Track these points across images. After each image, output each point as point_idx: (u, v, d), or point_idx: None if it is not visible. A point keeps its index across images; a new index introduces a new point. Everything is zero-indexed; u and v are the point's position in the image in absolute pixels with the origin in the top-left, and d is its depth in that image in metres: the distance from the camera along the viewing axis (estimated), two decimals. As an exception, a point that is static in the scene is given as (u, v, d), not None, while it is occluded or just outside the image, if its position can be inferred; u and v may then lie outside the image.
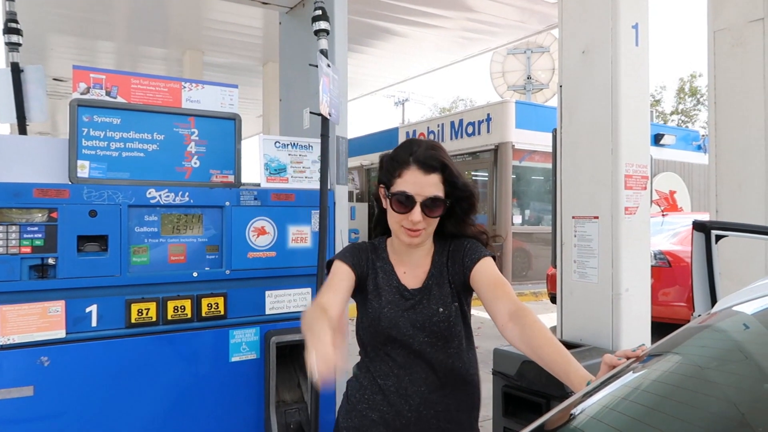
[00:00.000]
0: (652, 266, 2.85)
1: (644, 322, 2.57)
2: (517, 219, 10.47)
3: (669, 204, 11.64)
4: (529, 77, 15.94)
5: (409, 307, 1.40)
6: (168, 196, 1.94)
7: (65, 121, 1.91)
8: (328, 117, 2.10)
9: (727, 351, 1.03)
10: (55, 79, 9.56)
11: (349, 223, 2.50)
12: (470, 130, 10.99)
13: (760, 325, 1.08)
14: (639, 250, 2.53)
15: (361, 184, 14.26)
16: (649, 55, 2.61)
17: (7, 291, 1.71)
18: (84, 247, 1.82)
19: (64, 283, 1.78)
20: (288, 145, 2.22)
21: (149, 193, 1.92)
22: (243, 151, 2.14)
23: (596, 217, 2.55)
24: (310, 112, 2.39)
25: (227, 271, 2.03)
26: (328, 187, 2.23)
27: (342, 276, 1.38)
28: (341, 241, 2.30)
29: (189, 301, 1.97)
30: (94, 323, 1.83)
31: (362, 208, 12.92)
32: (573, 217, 2.65)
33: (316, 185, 2.20)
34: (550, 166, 3.59)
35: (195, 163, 2.05)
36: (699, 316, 1.47)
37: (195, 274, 1.98)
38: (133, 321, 1.88)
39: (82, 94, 1.92)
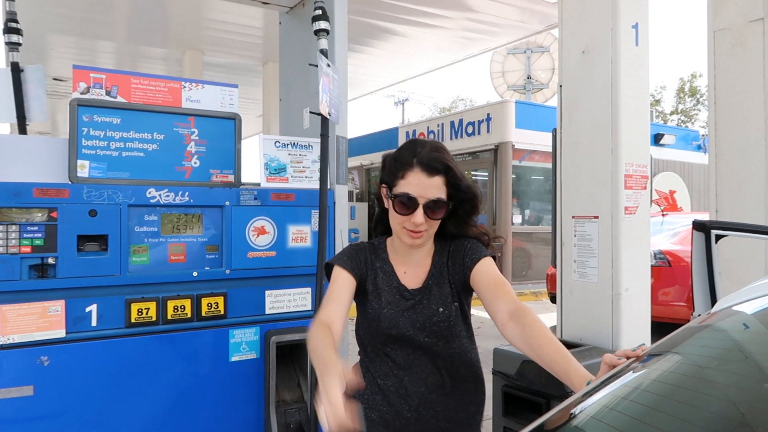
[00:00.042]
0: (652, 266, 2.85)
1: (644, 321, 2.57)
2: (517, 219, 10.47)
3: (669, 204, 11.63)
4: (529, 77, 15.94)
5: (409, 307, 1.40)
6: (168, 196, 1.94)
7: (65, 121, 1.91)
8: (328, 117, 2.10)
9: (727, 351, 1.03)
10: (55, 79, 9.56)
11: (349, 222, 2.50)
12: (470, 129, 10.99)
13: (760, 324, 1.08)
14: (639, 250, 2.53)
15: (361, 183, 14.26)
16: (649, 55, 2.62)
17: (7, 291, 1.71)
18: (84, 247, 1.82)
19: (63, 283, 1.78)
20: (288, 144, 2.22)
21: (149, 193, 1.92)
22: (243, 150, 2.14)
23: (596, 217, 2.55)
24: (310, 112, 2.40)
25: (227, 271, 2.03)
26: (328, 187, 2.23)
27: (342, 284, 1.37)
28: (341, 241, 2.30)
29: (189, 300, 1.97)
30: (93, 323, 1.83)
31: (362, 208, 12.91)
32: (573, 217, 2.65)
33: (316, 185, 2.20)
34: (550, 165, 3.60)
35: (195, 163, 2.05)
36: (699, 315, 1.47)
37: (195, 274, 1.98)
38: (132, 321, 1.88)
39: (82, 93, 1.92)
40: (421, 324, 1.38)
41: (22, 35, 2.18)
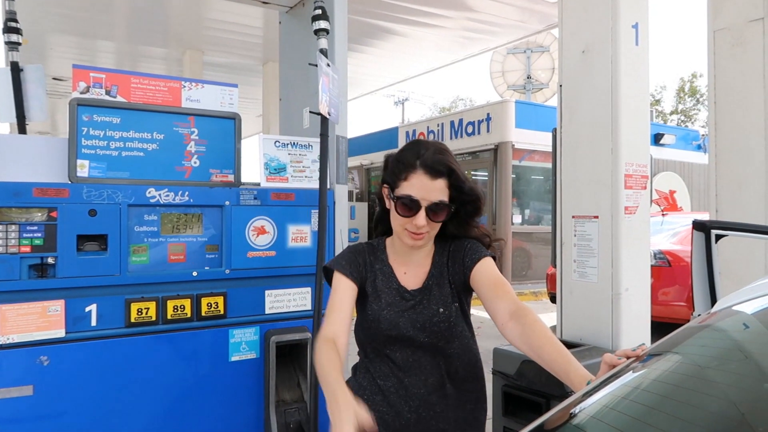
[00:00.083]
0: (651, 266, 2.85)
1: (644, 321, 2.57)
2: (517, 218, 10.47)
3: (669, 203, 11.64)
4: (529, 77, 15.94)
5: (410, 307, 1.39)
6: (168, 196, 1.94)
7: (65, 121, 1.91)
8: (328, 116, 2.10)
9: (726, 350, 1.03)
10: (54, 79, 9.56)
11: (348, 222, 2.49)
12: (470, 129, 10.99)
13: (760, 324, 1.08)
14: (639, 250, 2.53)
15: (361, 183, 14.26)
16: (649, 55, 2.61)
17: (7, 290, 1.71)
18: (83, 247, 1.82)
19: (63, 283, 1.78)
20: (288, 144, 2.22)
21: (149, 193, 1.92)
22: (243, 150, 2.14)
23: (596, 217, 2.55)
24: (310, 112, 2.39)
25: (227, 271, 2.03)
26: (328, 187, 2.23)
27: (344, 293, 1.37)
28: (341, 241, 2.30)
29: (188, 300, 1.97)
30: (93, 323, 1.83)
31: (362, 208, 12.92)
32: (573, 217, 2.65)
33: (316, 185, 2.20)
34: (549, 165, 3.61)
35: (195, 163, 2.05)
36: (699, 315, 1.47)
37: (195, 274, 1.98)
38: (132, 320, 1.88)
39: (81, 93, 1.92)
40: (421, 324, 1.38)
41: (22, 34, 2.18)
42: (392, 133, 13.43)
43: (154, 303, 1.91)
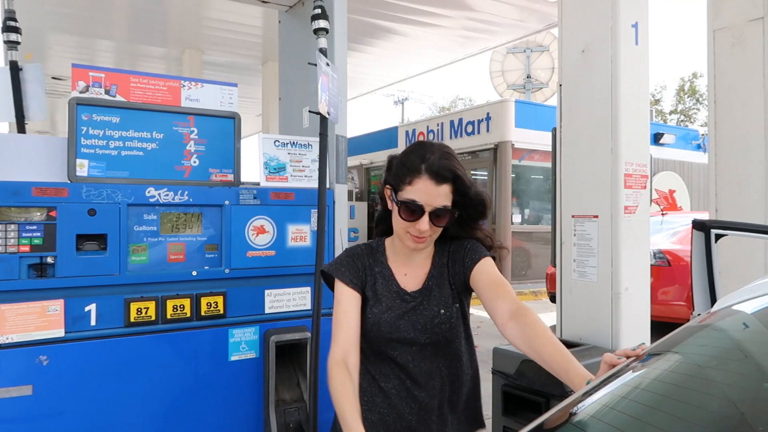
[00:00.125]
0: (651, 265, 2.85)
1: (644, 321, 2.57)
2: (517, 218, 10.47)
3: (668, 203, 11.64)
4: (528, 76, 15.94)
5: (410, 309, 1.39)
6: (167, 195, 1.94)
7: (64, 120, 1.91)
8: (327, 116, 2.10)
9: (726, 350, 1.03)
10: (54, 78, 9.56)
11: (348, 222, 2.49)
12: (470, 129, 10.99)
13: (760, 324, 1.08)
14: (638, 249, 2.53)
15: (361, 183, 14.26)
16: (649, 54, 2.61)
17: (6, 290, 1.71)
18: (83, 246, 1.82)
19: (62, 282, 1.78)
20: (287, 143, 2.22)
21: (148, 192, 1.91)
22: (242, 149, 2.14)
23: (596, 216, 2.55)
24: (310, 111, 2.39)
25: (226, 270, 2.03)
26: (328, 186, 2.23)
27: (348, 304, 1.37)
28: (340, 241, 2.30)
29: (188, 300, 1.96)
30: (93, 322, 1.82)
31: (361, 207, 12.91)
32: (573, 216, 2.65)
33: (316, 184, 2.20)
34: (549, 165, 3.60)
35: (194, 162, 2.04)
36: (699, 315, 1.47)
37: (194, 273, 1.98)
38: (132, 320, 1.88)
39: (81, 92, 1.92)
40: (422, 326, 1.37)
41: (21, 33, 2.18)
42: (392, 132, 13.43)
43: (153, 303, 1.91)
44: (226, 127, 2.10)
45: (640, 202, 2.53)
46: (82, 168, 1.87)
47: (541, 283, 9.50)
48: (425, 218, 1.31)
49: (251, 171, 2.26)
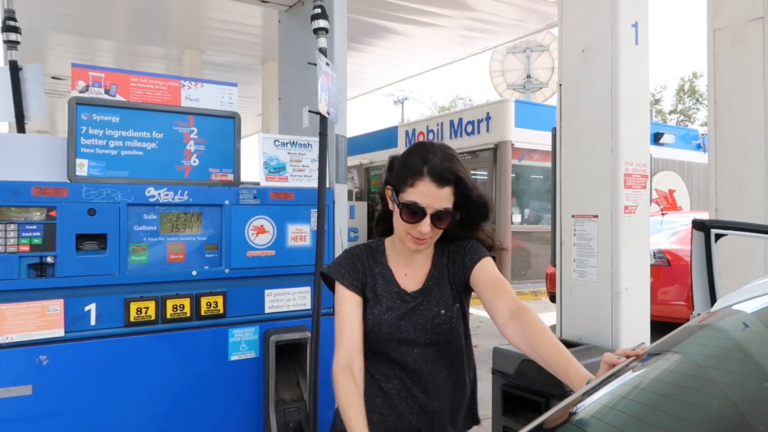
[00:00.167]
0: (651, 265, 2.85)
1: (644, 321, 2.57)
2: (517, 218, 10.48)
3: (668, 203, 11.64)
4: (528, 76, 15.94)
5: (410, 309, 1.39)
6: (167, 195, 1.94)
7: (64, 120, 1.91)
8: (327, 116, 2.10)
9: (726, 350, 1.03)
10: (53, 78, 9.55)
11: (348, 221, 2.49)
12: (470, 129, 10.98)
13: (760, 323, 1.08)
14: (638, 249, 2.53)
15: (361, 182, 14.26)
16: (649, 54, 2.61)
17: (6, 290, 1.71)
18: (83, 246, 1.82)
19: (62, 282, 1.78)
20: (287, 143, 2.22)
21: (148, 192, 1.91)
22: (242, 149, 2.14)
23: (596, 216, 2.55)
24: (309, 111, 2.39)
25: (226, 270, 2.03)
26: (327, 186, 2.23)
27: (350, 308, 1.37)
28: (340, 240, 2.30)
29: (188, 299, 1.96)
30: (92, 322, 1.82)
31: (361, 207, 12.91)
32: (573, 216, 2.65)
33: (316, 184, 2.20)
34: (549, 165, 3.60)
35: (194, 162, 2.04)
36: (698, 315, 1.47)
37: (194, 273, 1.98)
38: (131, 320, 1.88)
39: (81, 92, 1.91)
40: (422, 326, 1.37)
41: (20, 33, 2.18)
42: (392, 132, 13.43)
43: (153, 302, 1.91)
44: (226, 127, 2.10)
45: (640, 202, 2.53)
46: (82, 168, 1.87)
47: (541, 283, 9.50)
48: (427, 220, 1.30)
49: (251, 171, 2.26)
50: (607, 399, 0.91)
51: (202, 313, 1.99)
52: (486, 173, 10.58)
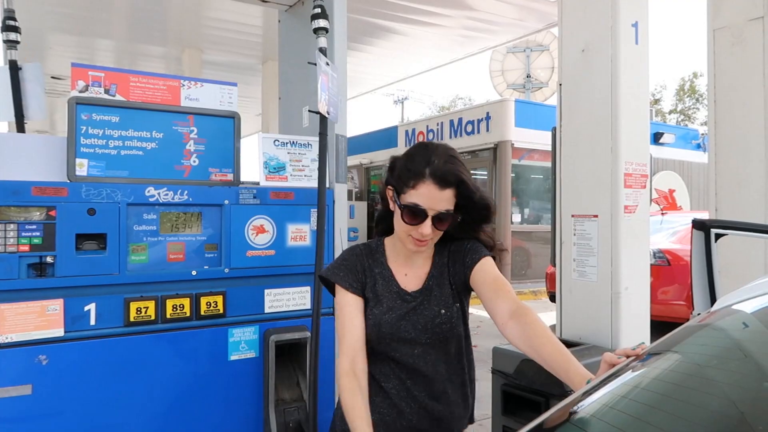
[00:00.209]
0: (651, 265, 2.85)
1: (643, 320, 2.57)
2: (517, 217, 10.48)
3: (668, 203, 11.64)
4: (528, 76, 15.94)
5: (410, 309, 1.39)
6: (167, 195, 1.94)
7: (63, 120, 1.90)
8: (327, 115, 2.10)
9: (726, 349, 1.03)
10: (53, 77, 9.55)
11: (348, 221, 2.49)
12: (469, 128, 10.98)
13: (760, 323, 1.08)
14: (638, 249, 2.53)
15: (361, 182, 14.26)
16: (649, 54, 2.61)
17: (5, 289, 1.71)
18: (82, 246, 1.82)
19: (62, 282, 1.78)
20: (287, 143, 2.22)
21: (148, 192, 1.91)
22: (242, 149, 2.14)
23: (596, 216, 2.55)
24: (309, 111, 2.39)
25: (226, 270, 2.03)
26: (327, 186, 2.23)
27: (351, 311, 1.37)
28: (340, 240, 2.30)
29: (188, 299, 1.96)
30: (92, 322, 1.82)
31: (361, 207, 12.91)
32: (572, 216, 2.65)
33: (316, 184, 2.20)
34: (549, 164, 3.61)
35: (194, 162, 2.04)
36: (698, 314, 1.47)
37: (194, 273, 1.98)
38: (131, 319, 1.87)
39: (80, 92, 1.91)
40: (422, 326, 1.37)
41: (20, 33, 2.17)
42: (392, 132, 13.43)
43: (153, 302, 1.91)
44: (225, 127, 2.10)
45: (639, 202, 2.53)
46: (82, 167, 1.86)
47: (540, 283, 9.50)
48: (428, 222, 1.30)
49: (251, 170, 2.26)
50: (607, 399, 0.91)
51: (202, 313, 1.99)
52: (486, 173, 10.58)
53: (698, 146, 12.60)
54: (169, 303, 1.93)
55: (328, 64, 2.15)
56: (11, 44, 2.15)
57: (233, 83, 2.19)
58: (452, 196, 1.32)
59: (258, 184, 2.14)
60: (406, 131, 12.81)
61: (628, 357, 1.05)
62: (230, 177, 2.10)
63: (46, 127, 13.75)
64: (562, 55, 2.73)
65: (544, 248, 10.05)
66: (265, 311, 2.11)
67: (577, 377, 1.09)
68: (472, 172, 1.38)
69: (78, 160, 1.86)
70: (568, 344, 2.38)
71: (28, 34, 3.15)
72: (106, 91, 1.96)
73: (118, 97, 1.97)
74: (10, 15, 2.15)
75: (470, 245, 1.42)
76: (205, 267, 2.01)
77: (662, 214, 7.20)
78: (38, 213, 1.75)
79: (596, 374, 1.05)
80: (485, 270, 1.37)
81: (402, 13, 6.95)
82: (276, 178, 2.17)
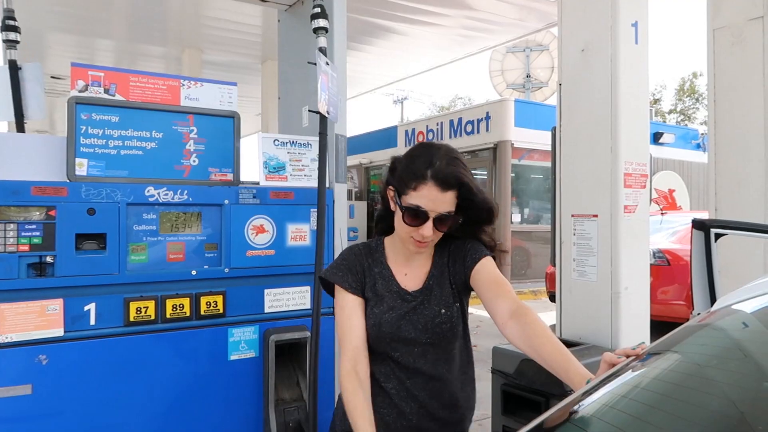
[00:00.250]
0: (651, 265, 2.85)
1: (643, 320, 2.57)
2: (516, 217, 10.48)
3: (668, 202, 11.64)
4: (528, 75, 15.94)
5: (411, 309, 1.39)
6: (167, 195, 1.94)
7: (63, 119, 1.90)
8: (327, 115, 2.10)
9: (726, 349, 1.03)
10: (53, 77, 9.55)
11: (347, 221, 2.49)
12: (469, 128, 10.98)
13: (759, 323, 1.08)
14: (638, 249, 2.53)
15: (360, 182, 14.25)
16: (649, 54, 2.61)
17: (5, 289, 1.71)
18: (82, 246, 1.82)
19: (62, 282, 1.78)
20: (287, 143, 2.22)
21: (148, 191, 1.91)
22: (242, 149, 2.14)
23: (595, 216, 2.55)
24: (309, 110, 2.39)
25: (226, 270, 2.03)
26: (327, 186, 2.23)
27: (352, 312, 1.37)
28: (340, 240, 2.30)
29: (188, 299, 1.96)
30: (92, 321, 1.82)
31: (361, 207, 12.90)
32: (572, 216, 2.65)
33: (315, 183, 2.20)
34: (549, 164, 3.61)
35: (194, 161, 2.04)
36: (698, 314, 1.47)
37: (194, 273, 1.98)
38: (131, 319, 1.87)
39: (80, 91, 1.91)
40: (423, 326, 1.37)
41: (20, 32, 2.17)
42: (391, 132, 13.42)
43: (153, 302, 1.91)
44: (225, 127, 2.10)
45: (639, 202, 2.53)
46: (82, 167, 1.86)
47: (540, 283, 9.50)
48: (429, 224, 1.30)
49: (251, 170, 2.26)
50: (607, 398, 0.91)
51: (202, 313, 1.99)
52: (485, 173, 10.58)
53: (698, 146, 12.61)
54: (169, 303, 1.93)
55: (327, 63, 2.15)
56: (11, 44, 2.15)
57: (233, 83, 2.19)
58: (453, 198, 1.31)
59: (258, 183, 2.14)
60: (406, 131, 12.80)
61: (628, 357, 1.05)
62: (230, 177, 2.10)
63: (45, 126, 13.75)
64: (561, 54, 2.73)
65: (543, 248, 10.05)
66: (265, 311, 2.11)
67: (577, 377, 1.09)
68: (471, 171, 1.37)
69: (78, 160, 1.86)
70: (568, 344, 2.38)
71: (28, 33, 3.14)
72: (106, 91, 1.96)
73: (118, 97, 1.97)
74: (9, 14, 2.14)
75: (471, 245, 1.42)
76: (205, 267, 2.01)
77: (662, 213, 7.20)
78: (38, 213, 1.75)
79: (596, 374, 1.06)
80: (485, 270, 1.37)
81: (402, 12, 6.95)
82: (276, 178, 2.17)
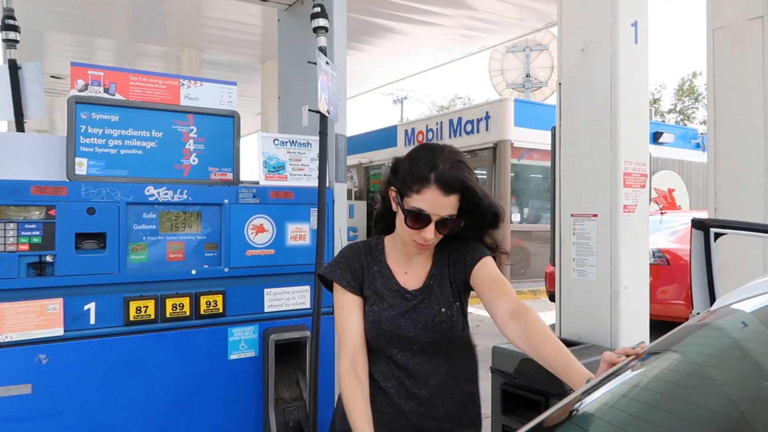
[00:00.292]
0: (650, 264, 2.86)
1: (643, 320, 2.57)
2: (516, 217, 10.48)
3: (668, 202, 11.64)
4: (528, 75, 15.94)
5: (411, 308, 1.39)
6: (166, 194, 1.94)
7: (63, 119, 1.90)
8: (327, 115, 2.10)
9: (725, 349, 1.03)
10: (53, 77, 9.54)
11: (347, 221, 2.49)
12: (469, 128, 10.98)
13: (759, 323, 1.08)
14: (638, 248, 2.53)
15: (360, 182, 14.25)
16: (649, 53, 2.61)
17: (5, 288, 1.71)
18: (82, 245, 1.82)
19: (62, 281, 1.78)
20: (287, 142, 2.22)
21: (147, 191, 1.91)
22: (242, 148, 2.14)
23: (595, 215, 2.55)
24: (309, 110, 2.39)
25: (226, 269, 2.03)
26: (327, 185, 2.23)
27: (351, 310, 1.38)
28: (340, 239, 2.30)
29: (187, 298, 1.96)
30: (92, 321, 1.82)
31: (361, 206, 12.90)
32: (572, 215, 2.65)
33: (315, 183, 2.20)
34: (548, 164, 3.61)
35: (193, 161, 2.04)
36: (698, 314, 1.47)
37: (193, 272, 1.98)
38: (131, 319, 1.87)
39: (80, 91, 1.91)
40: (423, 325, 1.37)
41: (19, 32, 2.17)
42: (391, 131, 13.41)
43: (152, 301, 1.91)
44: (225, 126, 2.10)
45: (639, 201, 2.53)
46: (81, 167, 1.86)
47: (540, 282, 9.50)
48: (431, 227, 1.30)
49: (250, 170, 2.26)
50: (606, 398, 0.91)
51: (202, 312, 1.99)
52: (485, 172, 10.58)
53: (697, 146, 12.61)
54: (169, 302, 1.93)
55: (327, 63, 2.15)
56: (10, 43, 2.15)
57: (233, 82, 2.19)
58: (456, 201, 1.31)
59: (257, 183, 2.14)
60: (406, 131, 12.80)
61: (627, 356, 1.05)
62: (230, 176, 2.10)
63: (45, 126, 13.75)
64: (561, 54, 2.73)
65: (543, 248, 10.05)
66: (265, 310, 2.11)
67: (577, 376, 1.09)
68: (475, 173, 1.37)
69: (77, 159, 1.86)
70: (568, 343, 2.38)
71: (28, 33, 3.14)
72: (106, 91, 1.96)
73: (118, 97, 1.97)
74: (9, 14, 2.14)
75: (471, 245, 1.42)
76: (205, 266, 2.01)
77: (661, 213, 7.19)
78: (38, 212, 1.75)
79: (596, 373, 1.06)
80: (486, 269, 1.37)
81: (402, 12, 6.95)
82: (276, 178, 2.17)
